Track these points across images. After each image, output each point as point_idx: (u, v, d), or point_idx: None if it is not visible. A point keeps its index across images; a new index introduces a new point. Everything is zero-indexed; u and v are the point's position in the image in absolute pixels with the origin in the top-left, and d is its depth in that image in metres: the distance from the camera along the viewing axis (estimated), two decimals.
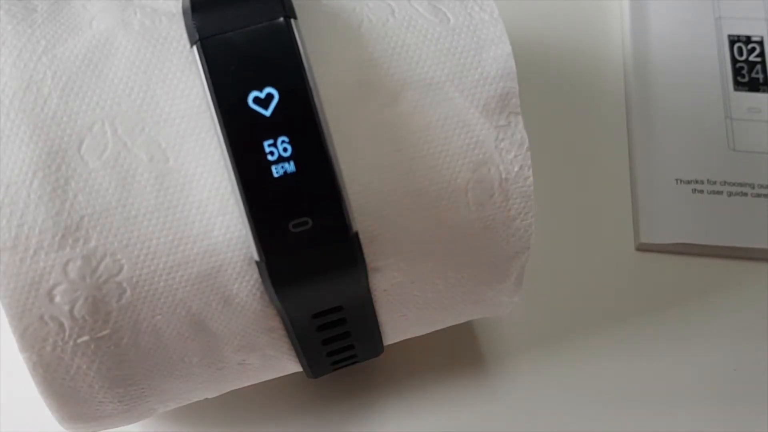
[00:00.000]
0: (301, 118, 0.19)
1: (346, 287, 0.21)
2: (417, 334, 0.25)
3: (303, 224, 0.19)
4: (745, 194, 0.33)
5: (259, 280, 0.20)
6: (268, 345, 0.22)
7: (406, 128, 0.21)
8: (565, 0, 0.38)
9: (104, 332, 0.20)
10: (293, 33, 0.19)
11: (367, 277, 0.21)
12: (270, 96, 0.19)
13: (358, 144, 0.20)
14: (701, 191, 0.33)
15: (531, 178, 0.21)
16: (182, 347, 0.21)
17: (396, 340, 0.25)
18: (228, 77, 0.19)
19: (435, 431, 0.28)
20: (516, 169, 0.21)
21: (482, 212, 0.21)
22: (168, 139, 0.20)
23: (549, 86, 0.36)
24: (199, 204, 0.20)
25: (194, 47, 0.19)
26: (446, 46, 0.21)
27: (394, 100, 0.21)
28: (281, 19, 0.19)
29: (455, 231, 0.21)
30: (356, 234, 0.20)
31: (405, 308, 0.23)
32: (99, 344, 0.20)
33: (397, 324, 0.24)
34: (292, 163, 0.19)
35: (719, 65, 0.35)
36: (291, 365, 0.24)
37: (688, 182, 0.33)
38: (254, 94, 0.19)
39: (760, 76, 0.35)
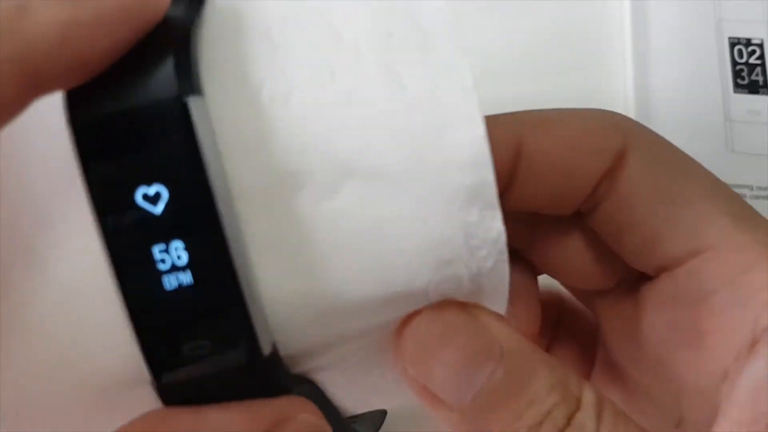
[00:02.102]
0: (199, 218, 0.15)
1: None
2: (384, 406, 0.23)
3: (200, 348, 0.16)
4: (744, 196, 0.33)
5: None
6: None
7: (348, 228, 0.17)
8: (564, 4, 0.38)
9: None
10: (189, 118, 0.15)
11: (289, 389, 0.17)
12: (158, 194, 0.15)
13: (281, 251, 0.16)
14: None
15: (507, 271, 0.18)
16: None
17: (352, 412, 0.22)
18: (108, 168, 0.15)
19: None
20: (490, 264, 0.17)
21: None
22: (47, 242, 0.16)
23: (546, 89, 0.36)
24: (85, 321, 0.16)
25: (68, 128, 0.15)
26: (401, 125, 0.17)
27: (331, 194, 0.17)
28: (176, 98, 0.15)
29: None
30: (269, 357, 0.16)
31: (349, 384, 0.20)
32: None
33: (349, 400, 0.20)
34: (188, 273, 0.15)
35: (719, 67, 0.35)
36: None
37: None
38: (142, 190, 0.15)
39: (760, 78, 0.35)
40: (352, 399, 0.20)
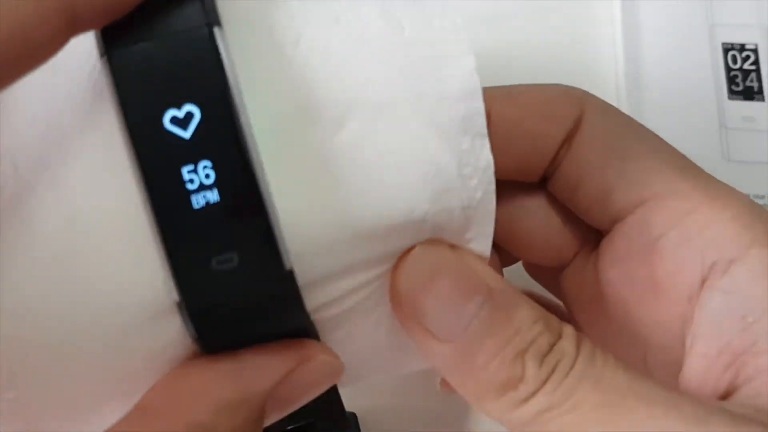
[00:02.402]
0: (226, 138, 0.17)
1: (282, 324, 0.18)
2: (382, 372, 0.24)
3: (228, 261, 0.17)
4: None
5: (177, 330, 0.18)
6: None
7: (354, 159, 0.18)
8: (555, 9, 0.37)
9: (10, 395, 0.18)
10: (216, 42, 0.17)
11: (306, 315, 0.19)
12: (190, 114, 0.17)
13: (296, 180, 0.18)
14: None
15: (494, 204, 0.20)
16: (99, 404, 0.19)
17: (356, 380, 0.23)
18: (141, 93, 0.17)
19: None
20: (479, 195, 0.19)
21: (439, 237, 0.20)
22: (74, 174, 0.18)
23: None
24: (113, 252, 0.18)
25: (102, 61, 0.17)
26: (400, 62, 0.18)
27: (339, 127, 0.18)
28: (203, 26, 0.17)
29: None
30: (291, 271, 0.17)
31: (355, 349, 0.21)
32: (7, 407, 0.18)
33: (355, 359, 0.21)
34: (215, 191, 0.17)
35: (713, 74, 0.35)
36: None
37: None
38: (171, 113, 0.17)
39: (755, 84, 0.34)
40: (355, 355, 0.21)
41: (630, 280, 0.23)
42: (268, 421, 0.19)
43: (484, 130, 0.19)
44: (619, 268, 0.23)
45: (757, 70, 0.35)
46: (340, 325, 0.20)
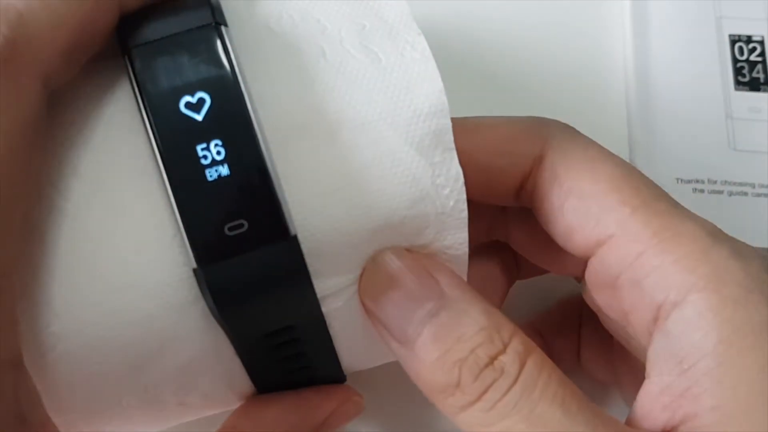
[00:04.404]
0: (233, 120, 0.19)
1: (291, 293, 0.20)
2: (381, 361, 0.25)
3: (239, 227, 0.19)
4: (746, 194, 0.33)
5: (198, 319, 0.20)
6: (208, 385, 0.22)
7: (340, 170, 0.20)
8: (564, 0, 0.38)
9: (39, 385, 0.19)
10: (224, 37, 0.19)
11: (311, 284, 0.20)
12: (201, 100, 0.19)
13: (288, 187, 0.20)
14: (702, 191, 0.33)
15: (465, 212, 0.21)
16: (119, 392, 0.21)
17: (358, 367, 0.25)
18: (158, 84, 0.19)
19: None
20: (451, 203, 0.21)
21: (416, 241, 0.22)
22: (101, 168, 0.19)
23: (548, 86, 0.36)
24: (136, 243, 0.19)
25: (124, 58, 0.19)
26: (378, 86, 0.21)
27: (330, 140, 0.20)
28: (211, 24, 0.19)
29: None
30: (295, 237, 0.19)
31: (359, 330, 0.23)
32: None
33: (354, 347, 0.23)
34: (225, 166, 0.18)
35: (720, 65, 0.35)
36: (234, 401, 0.23)
37: (689, 182, 0.33)
38: (186, 99, 0.19)
39: (761, 75, 0.35)
40: (352, 340, 0.23)
41: (609, 307, 0.24)
42: None
43: (452, 145, 0.21)
44: (598, 295, 0.24)
45: (764, 62, 0.35)
46: (330, 323, 0.22)
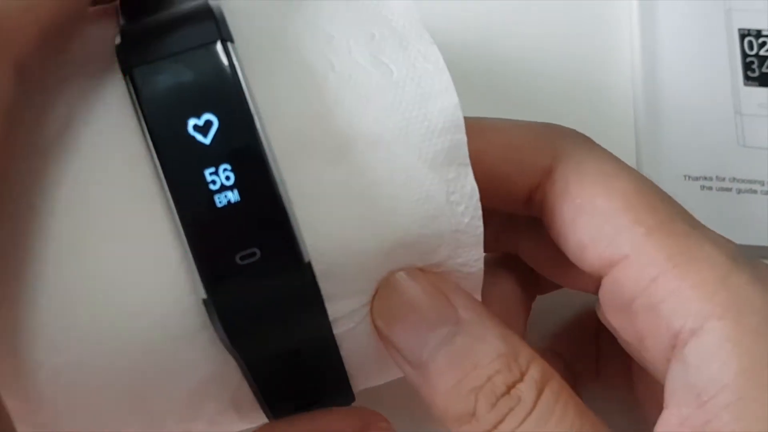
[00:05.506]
0: (243, 144, 0.18)
1: (303, 319, 0.19)
2: (391, 378, 0.24)
3: (251, 255, 0.18)
4: (755, 191, 0.32)
5: (206, 347, 0.19)
6: (215, 411, 0.21)
7: (352, 189, 0.19)
8: None
9: (39, 418, 0.19)
10: (231, 56, 0.18)
11: (324, 309, 0.19)
12: (209, 123, 0.18)
13: (304, 204, 0.19)
14: (710, 188, 0.32)
15: (481, 228, 0.21)
16: (122, 421, 0.20)
17: (367, 385, 0.24)
18: (162, 106, 0.18)
19: None
20: (466, 220, 0.20)
21: (430, 260, 0.21)
22: (98, 195, 0.18)
23: (555, 81, 0.35)
24: (139, 271, 0.18)
25: (125, 79, 0.18)
26: (390, 101, 0.20)
27: (339, 158, 0.19)
28: (218, 42, 0.18)
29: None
30: (309, 264, 0.18)
31: (371, 351, 0.22)
32: (34, 426, 0.19)
33: (365, 367, 0.23)
34: (235, 191, 0.18)
35: (729, 59, 0.35)
36: (240, 423, 0.23)
37: (697, 179, 0.32)
38: (193, 121, 0.18)
39: None
40: (363, 361, 0.22)
41: (624, 330, 0.23)
42: None
43: (467, 160, 0.20)
44: (612, 317, 0.23)
45: None
46: (341, 345, 0.21)
